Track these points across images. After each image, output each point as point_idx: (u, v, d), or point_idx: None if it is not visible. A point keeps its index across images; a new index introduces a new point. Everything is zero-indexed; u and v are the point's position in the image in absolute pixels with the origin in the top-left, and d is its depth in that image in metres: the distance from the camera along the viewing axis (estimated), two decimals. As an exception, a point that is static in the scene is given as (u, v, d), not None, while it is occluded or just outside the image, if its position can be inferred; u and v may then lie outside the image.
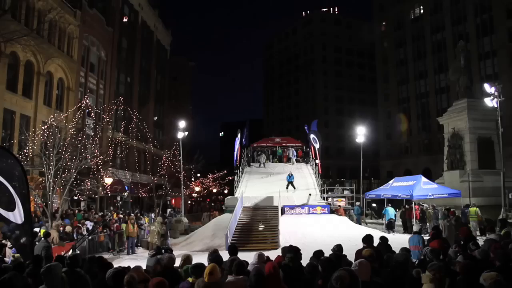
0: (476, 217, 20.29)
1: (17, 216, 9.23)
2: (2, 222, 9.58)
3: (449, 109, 34.04)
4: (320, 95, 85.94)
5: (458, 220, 20.36)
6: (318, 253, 7.36)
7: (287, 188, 29.37)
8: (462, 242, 9.46)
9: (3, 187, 9.01)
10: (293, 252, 7.16)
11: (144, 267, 7.64)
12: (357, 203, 30.10)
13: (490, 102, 23.38)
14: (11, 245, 12.30)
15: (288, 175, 30.29)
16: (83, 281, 6.19)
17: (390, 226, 24.64)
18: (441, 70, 60.53)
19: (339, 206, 29.91)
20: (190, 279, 5.43)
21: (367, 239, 8.40)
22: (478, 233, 19.81)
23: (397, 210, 26.05)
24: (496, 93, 22.98)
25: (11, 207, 9.16)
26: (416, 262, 7.85)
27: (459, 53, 33.26)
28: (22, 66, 26.53)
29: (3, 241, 13.46)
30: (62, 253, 13.14)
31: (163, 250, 9.10)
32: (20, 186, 9.22)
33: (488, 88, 23.65)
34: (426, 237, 12.27)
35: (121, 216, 25.56)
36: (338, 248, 8.05)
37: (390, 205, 25.51)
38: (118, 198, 33.15)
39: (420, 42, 65.75)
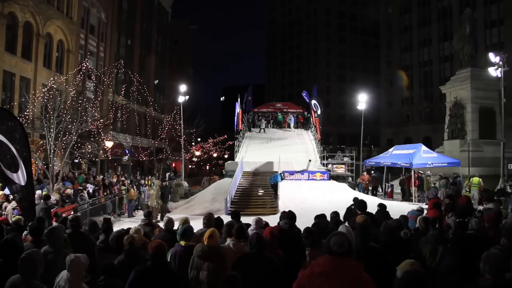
0: (478, 186, 20.35)
1: (20, 177, 9.33)
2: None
3: (452, 77, 33.78)
4: (323, 61, 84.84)
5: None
6: (321, 216, 7.59)
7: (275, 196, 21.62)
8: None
9: (6, 148, 9.05)
10: (290, 218, 7.28)
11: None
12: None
13: (494, 72, 23.11)
14: (14, 206, 12.46)
15: (273, 175, 23.18)
16: (90, 242, 6.32)
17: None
18: (446, 38, 59.66)
19: (364, 173, 28.71)
20: (182, 243, 5.55)
21: (360, 205, 8.45)
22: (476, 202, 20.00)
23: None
24: (500, 63, 22.70)
25: (15, 168, 9.25)
26: (413, 230, 7.99)
27: (465, 21, 32.70)
28: (21, 27, 26.09)
29: (5, 203, 13.61)
30: (63, 215, 13.29)
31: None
32: (21, 148, 9.27)
33: (492, 57, 23.32)
34: (425, 206, 12.41)
35: (122, 179, 25.80)
36: (335, 215, 8.18)
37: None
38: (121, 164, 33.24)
39: (426, 9, 64.56)
